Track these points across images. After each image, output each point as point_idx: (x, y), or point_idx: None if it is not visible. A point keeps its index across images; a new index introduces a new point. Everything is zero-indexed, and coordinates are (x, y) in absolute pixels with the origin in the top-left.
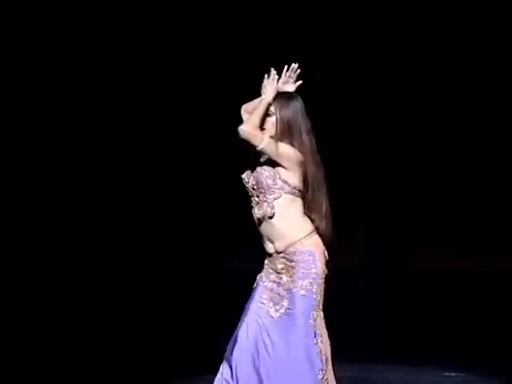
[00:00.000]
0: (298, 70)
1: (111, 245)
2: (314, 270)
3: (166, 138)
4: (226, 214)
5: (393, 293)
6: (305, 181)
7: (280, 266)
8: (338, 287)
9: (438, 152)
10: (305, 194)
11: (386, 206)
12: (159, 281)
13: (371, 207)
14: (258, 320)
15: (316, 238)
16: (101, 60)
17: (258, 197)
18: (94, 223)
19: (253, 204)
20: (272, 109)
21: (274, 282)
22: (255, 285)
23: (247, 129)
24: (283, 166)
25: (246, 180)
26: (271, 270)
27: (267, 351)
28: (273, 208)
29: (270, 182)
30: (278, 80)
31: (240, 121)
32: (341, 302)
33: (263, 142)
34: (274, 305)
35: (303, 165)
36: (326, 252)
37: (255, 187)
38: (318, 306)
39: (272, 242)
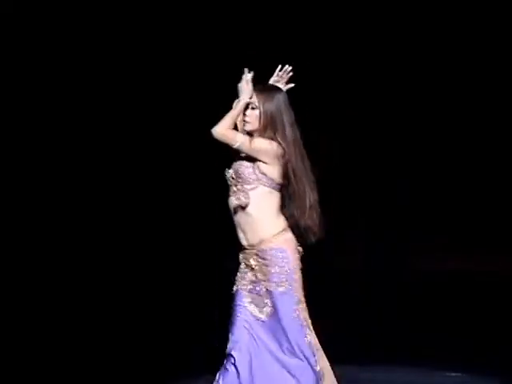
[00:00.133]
0: (291, 73)
1: (111, 245)
2: (287, 267)
3: (166, 138)
4: (226, 213)
5: (393, 293)
6: (286, 173)
7: (253, 263)
8: (339, 287)
9: (438, 152)
10: (286, 187)
11: (386, 206)
12: (159, 281)
13: (371, 207)
14: (245, 325)
15: (287, 236)
16: (101, 60)
17: (235, 186)
18: (94, 223)
19: (230, 193)
20: (255, 102)
21: (251, 281)
22: (235, 289)
23: (220, 130)
24: (263, 161)
25: (227, 171)
26: (246, 268)
27: (261, 354)
28: (248, 198)
29: (248, 172)
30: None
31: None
32: (341, 302)
33: (237, 141)
34: (258, 306)
35: (284, 158)
36: (299, 247)
37: (234, 176)
38: (300, 300)
39: (245, 233)
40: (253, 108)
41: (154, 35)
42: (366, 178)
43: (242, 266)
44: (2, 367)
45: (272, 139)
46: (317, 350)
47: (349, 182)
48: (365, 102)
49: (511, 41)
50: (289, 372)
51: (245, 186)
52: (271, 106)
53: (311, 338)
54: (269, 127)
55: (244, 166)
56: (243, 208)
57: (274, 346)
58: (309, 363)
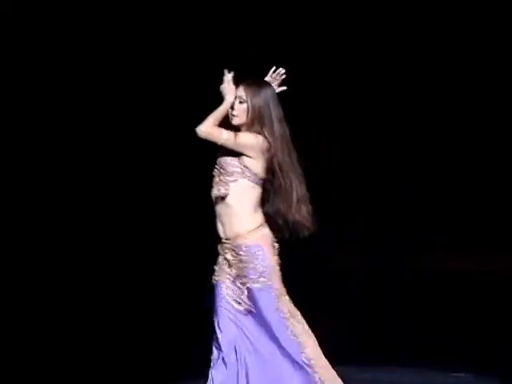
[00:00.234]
0: (284, 76)
1: (111, 245)
2: (263, 263)
3: (166, 138)
4: None
5: (393, 293)
6: (272, 168)
7: (230, 258)
8: (339, 287)
9: (438, 152)
10: (272, 181)
11: (386, 206)
12: (158, 281)
13: (371, 207)
14: (230, 317)
15: (264, 231)
16: (101, 60)
17: (218, 177)
18: (94, 223)
19: (213, 183)
20: (243, 96)
21: (229, 274)
22: (215, 281)
23: (205, 129)
24: (248, 155)
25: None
26: (224, 260)
27: (251, 345)
28: (228, 190)
29: (231, 165)
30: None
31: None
32: (341, 302)
33: (222, 137)
34: (236, 300)
35: (269, 152)
36: (275, 243)
37: (218, 167)
38: (280, 293)
39: (223, 224)
40: (240, 102)
41: (156, 35)
42: (365, 178)
43: (221, 258)
44: (1, 367)
45: (259, 133)
46: (308, 337)
47: (349, 181)
48: (365, 102)
49: (511, 41)
50: (279, 364)
51: (227, 178)
52: (259, 100)
53: (296, 329)
54: (256, 121)
55: (229, 159)
56: (223, 199)
57: (260, 338)
58: (293, 357)
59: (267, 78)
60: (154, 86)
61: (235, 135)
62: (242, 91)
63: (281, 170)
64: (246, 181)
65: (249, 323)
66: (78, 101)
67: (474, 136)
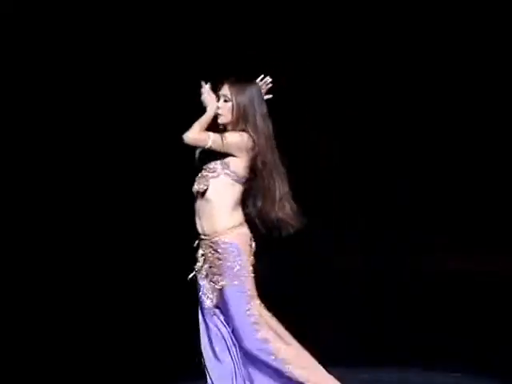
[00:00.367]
0: (270, 85)
1: (110, 245)
2: (238, 262)
3: (165, 138)
4: None
5: (393, 293)
6: (255, 166)
7: (208, 254)
8: (339, 287)
9: (438, 152)
10: (254, 180)
11: (386, 206)
12: (159, 281)
13: (371, 207)
14: (212, 312)
15: (242, 230)
16: (101, 60)
17: (201, 172)
18: (94, 223)
19: (196, 178)
20: (228, 95)
21: (205, 269)
22: (195, 275)
23: (192, 135)
24: (233, 154)
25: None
26: (202, 256)
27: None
28: (206, 185)
29: (214, 162)
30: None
31: None
32: (341, 302)
33: (209, 141)
34: (207, 296)
35: (254, 150)
36: (252, 243)
37: (202, 164)
38: (252, 295)
39: (201, 220)
40: (225, 100)
41: (156, 35)
42: (365, 178)
43: (199, 253)
44: (1, 367)
45: (243, 131)
46: (280, 338)
47: (349, 181)
48: (365, 102)
49: (511, 41)
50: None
51: (208, 174)
52: (244, 98)
53: (266, 334)
54: (241, 119)
55: (212, 155)
56: (203, 195)
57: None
58: (262, 358)
59: None
60: (154, 86)
61: (222, 137)
62: (226, 90)
63: (264, 167)
64: (226, 178)
65: (218, 321)
66: (78, 101)
67: (474, 136)
